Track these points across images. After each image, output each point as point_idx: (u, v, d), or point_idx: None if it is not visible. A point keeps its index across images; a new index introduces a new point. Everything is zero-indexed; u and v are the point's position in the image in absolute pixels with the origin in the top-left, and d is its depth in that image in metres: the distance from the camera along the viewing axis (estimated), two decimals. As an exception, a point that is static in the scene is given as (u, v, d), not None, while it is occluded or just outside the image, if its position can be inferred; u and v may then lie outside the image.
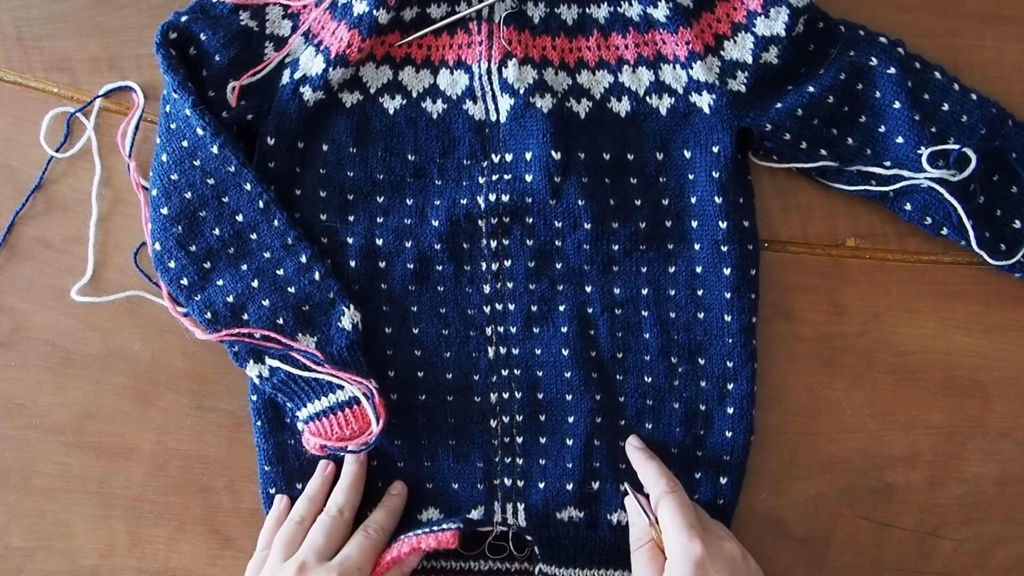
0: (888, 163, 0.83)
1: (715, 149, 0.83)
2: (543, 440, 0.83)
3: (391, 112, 0.85)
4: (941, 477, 0.84)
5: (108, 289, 0.85)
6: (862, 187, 0.83)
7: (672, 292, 0.83)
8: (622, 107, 0.85)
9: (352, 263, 0.83)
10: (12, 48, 0.89)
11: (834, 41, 0.84)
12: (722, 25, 0.83)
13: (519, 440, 0.83)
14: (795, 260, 0.86)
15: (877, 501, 0.84)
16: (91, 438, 0.85)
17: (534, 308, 0.83)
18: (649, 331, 0.83)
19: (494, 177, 0.84)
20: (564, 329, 0.83)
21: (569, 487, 0.82)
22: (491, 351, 0.83)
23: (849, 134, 0.84)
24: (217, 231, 0.80)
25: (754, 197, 0.85)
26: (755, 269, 0.83)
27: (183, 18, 0.82)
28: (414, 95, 0.85)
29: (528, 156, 0.83)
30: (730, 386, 0.82)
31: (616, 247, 0.83)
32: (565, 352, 0.82)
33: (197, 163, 0.80)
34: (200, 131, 0.79)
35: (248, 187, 0.80)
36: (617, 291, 0.83)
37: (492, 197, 0.83)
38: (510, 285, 0.84)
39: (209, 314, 0.80)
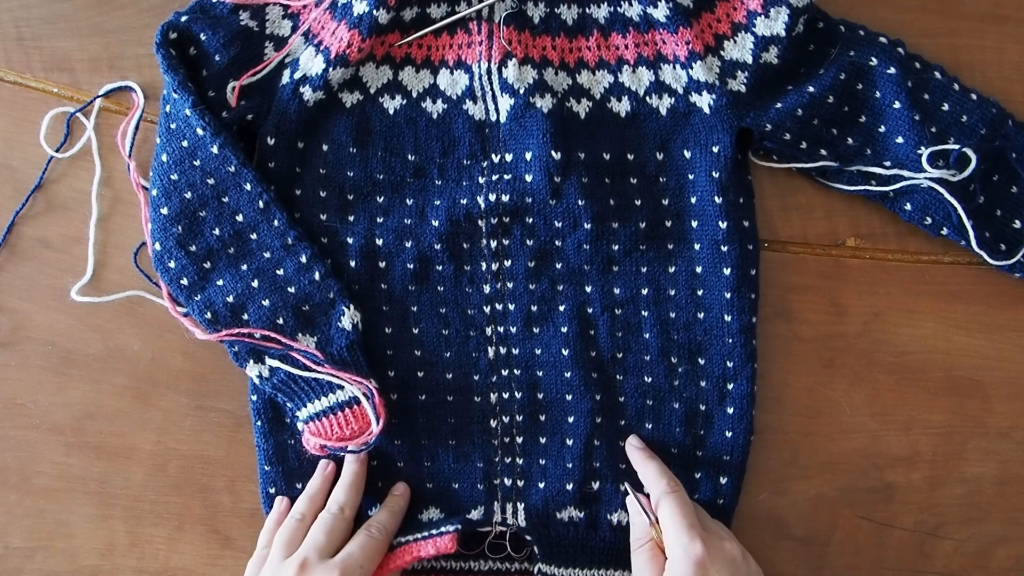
0: (888, 163, 0.83)
1: (715, 149, 0.83)
2: (543, 440, 0.83)
3: (391, 112, 0.85)
4: (941, 477, 0.84)
5: (108, 289, 0.85)
6: (862, 187, 0.83)
7: (672, 292, 0.83)
8: (622, 107, 0.85)
9: (352, 263, 0.83)
10: (12, 48, 0.89)
11: (834, 41, 0.84)
12: (722, 25, 0.83)
13: (519, 440, 0.83)
14: (795, 260, 0.86)
15: (877, 501, 0.84)
16: (91, 438, 0.85)
17: (534, 308, 0.83)
18: (649, 331, 0.83)
19: (494, 177, 0.84)
20: (564, 329, 0.83)
21: (569, 487, 0.82)
22: (491, 351, 0.83)
23: (849, 134, 0.84)
24: (217, 231, 0.80)
25: (754, 197, 0.85)
26: (755, 269, 0.83)
27: (183, 18, 0.82)
28: (414, 95, 0.85)
29: (528, 156, 0.83)
30: (730, 386, 0.82)
31: (616, 247, 0.83)
32: (565, 352, 0.82)
33: (197, 163, 0.80)
34: (200, 131, 0.79)
35: (248, 187, 0.80)
36: (617, 291, 0.83)
37: (492, 197, 0.83)
38: (510, 285, 0.84)
39: (209, 314, 0.80)
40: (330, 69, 0.83)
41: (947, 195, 0.80)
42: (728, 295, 0.82)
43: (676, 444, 0.82)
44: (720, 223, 0.82)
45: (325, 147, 0.84)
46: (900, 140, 0.82)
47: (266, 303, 0.79)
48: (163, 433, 0.84)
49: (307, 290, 0.80)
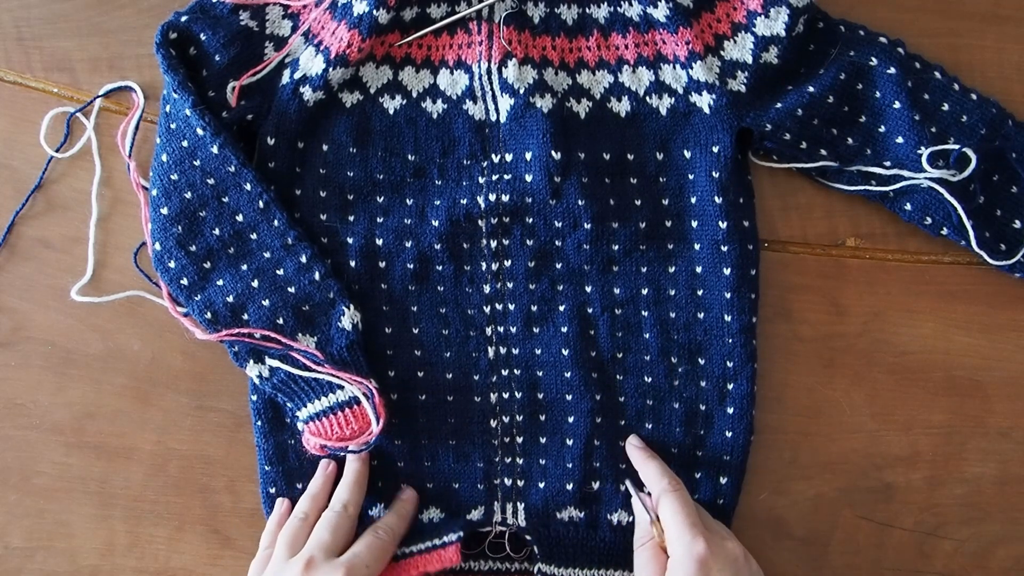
0: (888, 163, 0.83)
1: (715, 149, 0.83)
2: (543, 440, 0.83)
3: (391, 112, 0.85)
4: (941, 477, 0.84)
5: (108, 289, 0.85)
6: (862, 187, 0.83)
7: (672, 292, 0.83)
8: (622, 107, 0.85)
9: (352, 263, 0.83)
10: (12, 48, 0.89)
11: (834, 41, 0.84)
12: (722, 25, 0.83)
13: (519, 440, 0.83)
14: (795, 260, 0.86)
15: (877, 501, 0.84)
16: (91, 438, 0.85)
17: (534, 308, 0.83)
18: (649, 331, 0.83)
19: (494, 177, 0.84)
20: (564, 329, 0.83)
21: (569, 487, 0.82)
22: (491, 351, 0.83)
23: (849, 134, 0.84)
24: (217, 231, 0.80)
25: (754, 197, 0.85)
26: (755, 269, 0.83)
27: (183, 18, 0.82)
28: (414, 95, 0.85)
29: (528, 156, 0.83)
30: (730, 386, 0.82)
31: (616, 247, 0.83)
32: (565, 352, 0.82)
33: (197, 163, 0.80)
34: (200, 131, 0.79)
35: (248, 187, 0.80)
36: (617, 291, 0.83)
37: (492, 197, 0.83)
38: (510, 285, 0.84)
39: (209, 314, 0.80)
40: (330, 69, 0.83)
41: (947, 195, 0.80)
42: (728, 295, 0.82)
43: (676, 444, 0.82)
44: (720, 223, 0.82)
45: (325, 147, 0.84)
46: (900, 140, 0.82)
47: (266, 303, 0.79)
48: (163, 433, 0.84)
49: (307, 290, 0.80)
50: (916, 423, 0.85)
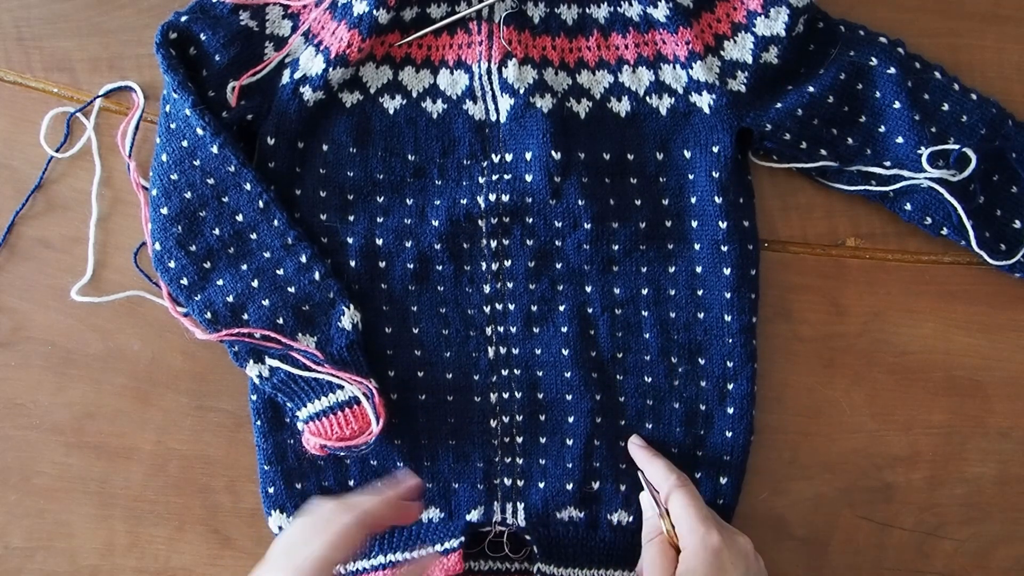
0: (888, 163, 0.83)
1: (715, 149, 0.83)
2: (543, 440, 0.83)
3: (391, 112, 0.85)
4: (941, 477, 0.84)
5: (108, 289, 0.85)
6: (862, 187, 0.83)
7: (672, 292, 0.83)
8: (622, 107, 0.85)
9: (352, 263, 0.83)
10: (12, 48, 0.89)
11: (834, 41, 0.84)
12: (722, 25, 0.83)
13: (519, 440, 0.83)
14: (795, 260, 0.86)
15: (877, 501, 0.84)
16: (91, 438, 0.85)
17: (534, 308, 0.83)
18: (649, 331, 0.83)
19: (494, 177, 0.84)
20: (564, 329, 0.83)
21: (569, 487, 0.82)
22: (491, 351, 0.83)
23: (849, 134, 0.84)
24: (217, 231, 0.80)
25: (754, 197, 0.85)
26: (755, 269, 0.83)
27: (183, 18, 0.82)
28: (414, 95, 0.85)
29: (528, 156, 0.83)
30: (730, 386, 0.82)
31: (616, 247, 0.83)
32: (565, 352, 0.82)
33: (197, 163, 0.80)
34: (200, 131, 0.79)
35: (248, 187, 0.80)
36: (617, 291, 0.83)
37: (492, 197, 0.83)
38: (510, 285, 0.84)
39: (209, 314, 0.80)
40: (330, 69, 0.83)
41: (947, 195, 0.80)
42: (728, 295, 0.82)
43: (676, 444, 0.82)
44: (720, 223, 0.82)
45: (325, 147, 0.84)
46: (900, 140, 0.82)
47: (266, 303, 0.79)
48: (163, 433, 0.84)
49: (307, 290, 0.80)
50: (916, 423, 0.85)
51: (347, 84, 0.84)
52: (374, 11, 0.81)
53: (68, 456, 0.84)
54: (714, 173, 0.83)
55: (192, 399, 0.85)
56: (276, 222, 0.80)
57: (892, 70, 0.82)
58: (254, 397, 0.82)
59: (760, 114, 0.82)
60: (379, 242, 0.83)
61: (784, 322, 0.85)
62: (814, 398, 0.85)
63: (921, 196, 0.82)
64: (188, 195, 0.80)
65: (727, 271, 0.82)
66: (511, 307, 0.83)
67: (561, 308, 0.83)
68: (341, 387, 0.79)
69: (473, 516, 0.81)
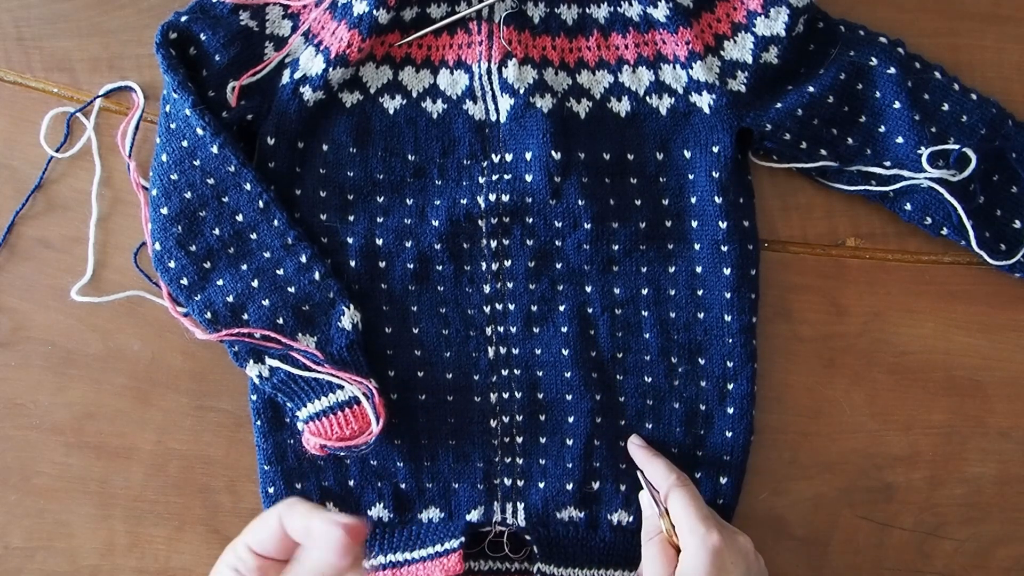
0: (888, 163, 0.83)
1: (715, 149, 0.83)
2: (543, 440, 0.83)
3: (391, 112, 0.85)
4: (941, 477, 0.84)
5: (108, 289, 0.85)
6: (862, 187, 0.83)
7: (672, 292, 0.83)
8: (622, 107, 0.85)
9: (352, 263, 0.83)
10: (12, 48, 0.89)
11: (834, 41, 0.84)
12: (722, 25, 0.83)
13: (519, 440, 0.83)
14: (795, 260, 0.86)
15: (877, 501, 0.84)
16: (91, 438, 0.84)
17: (534, 308, 0.83)
18: (649, 331, 0.83)
19: (494, 177, 0.84)
20: (564, 329, 0.83)
21: (569, 487, 0.82)
22: (491, 351, 0.83)
23: (849, 134, 0.84)
24: (217, 231, 0.80)
25: (754, 197, 0.85)
26: (755, 269, 0.83)
27: (183, 18, 0.82)
28: (414, 95, 0.85)
29: (528, 156, 0.83)
30: (730, 386, 0.82)
31: (616, 247, 0.83)
32: (565, 352, 0.82)
33: (197, 163, 0.80)
34: (200, 131, 0.79)
35: (248, 187, 0.80)
36: (617, 291, 0.83)
37: (492, 197, 0.83)
38: (510, 285, 0.84)
39: (209, 314, 0.80)
40: (330, 69, 0.83)
41: (947, 195, 0.80)
42: (728, 295, 0.82)
43: (676, 444, 0.82)
44: (720, 223, 0.82)
45: (325, 147, 0.84)
46: (900, 140, 0.82)
47: (266, 303, 0.79)
48: (163, 433, 0.84)
49: (307, 290, 0.80)
50: (916, 423, 0.85)
51: (347, 84, 0.84)
52: (374, 11, 0.81)
53: (68, 456, 0.84)
54: (714, 173, 0.83)
55: (192, 399, 0.85)
56: (276, 222, 0.80)
57: (892, 70, 0.82)
58: (254, 397, 0.82)
59: (760, 114, 0.82)
60: (379, 242, 0.83)
61: (784, 322, 0.85)
62: (814, 398, 0.85)
63: (921, 196, 0.82)
64: (188, 195, 0.80)
65: (727, 271, 0.82)
66: (511, 307, 0.83)
67: (561, 308, 0.83)
68: (341, 387, 0.79)
69: (473, 516, 0.81)
